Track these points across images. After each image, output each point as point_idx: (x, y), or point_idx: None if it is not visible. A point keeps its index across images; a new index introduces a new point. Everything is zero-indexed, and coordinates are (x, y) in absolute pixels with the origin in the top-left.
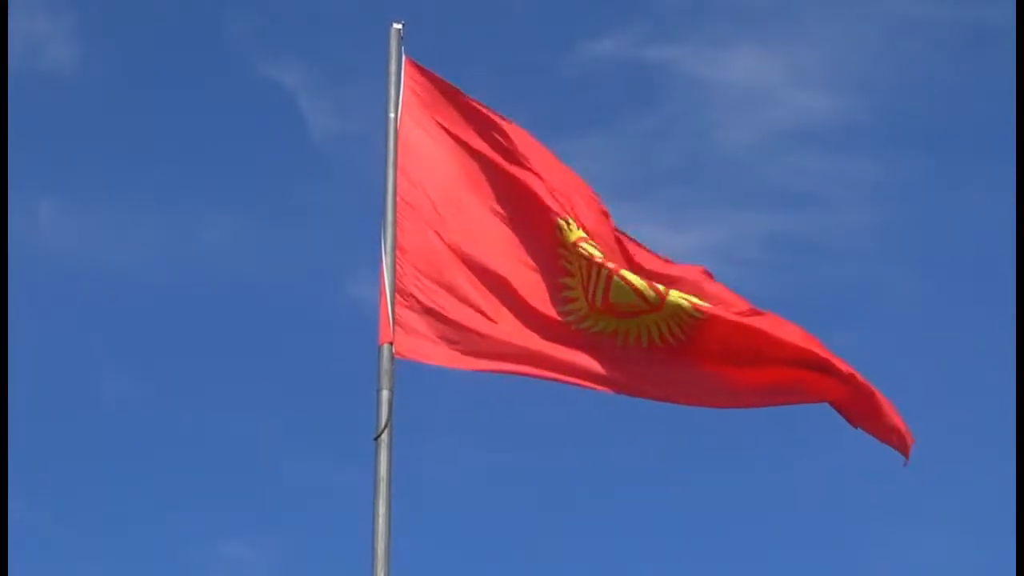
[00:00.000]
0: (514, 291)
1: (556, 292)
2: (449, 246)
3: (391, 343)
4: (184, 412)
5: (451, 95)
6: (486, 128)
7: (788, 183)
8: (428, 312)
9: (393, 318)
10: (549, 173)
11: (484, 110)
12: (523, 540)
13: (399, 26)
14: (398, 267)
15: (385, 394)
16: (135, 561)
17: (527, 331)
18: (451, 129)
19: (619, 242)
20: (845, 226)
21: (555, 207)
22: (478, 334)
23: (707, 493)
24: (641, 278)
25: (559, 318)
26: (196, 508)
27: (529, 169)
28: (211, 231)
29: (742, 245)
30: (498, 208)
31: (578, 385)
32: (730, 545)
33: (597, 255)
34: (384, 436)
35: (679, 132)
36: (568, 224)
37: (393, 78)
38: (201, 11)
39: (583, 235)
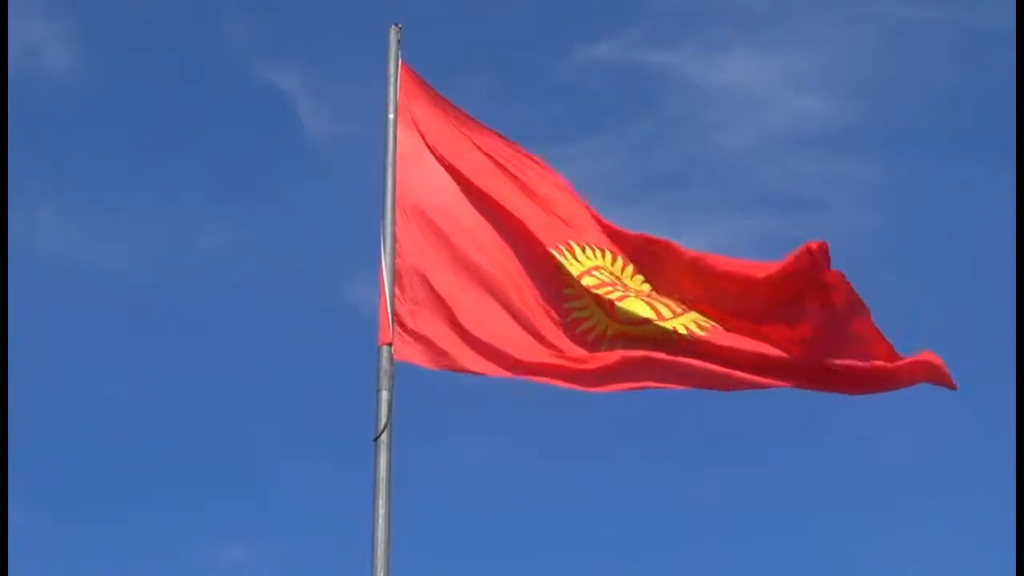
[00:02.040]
0: (511, 298)
1: (559, 301)
2: (443, 250)
3: (390, 344)
4: (183, 414)
5: (442, 105)
6: (477, 138)
7: (786, 186)
8: (426, 313)
9: (393, 319)
10: (542, 188)
11: (471, 122)
12: (523, 541)
13: (397, 27)
14: (397, 268)
15: (384, 395)
16: (134, 564)
17: (527, 338)
18: (442, 139)
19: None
20: (843, 229)
21: (548, 236)
22: (476, 339)
23: (708, 493)
24: (646, 301)
25: (561, 320)
26: (195, 511)
27: (523, 188)
28: (209, 234)
29: (740, 248)
30: (491, 218)
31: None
32: (731, 546)
33: (600, 283)
34: (383, 437)
35: (676, 135)
36: (566, 255)
37: (391, 79)
38: (198, 15)
39: (586, 266)
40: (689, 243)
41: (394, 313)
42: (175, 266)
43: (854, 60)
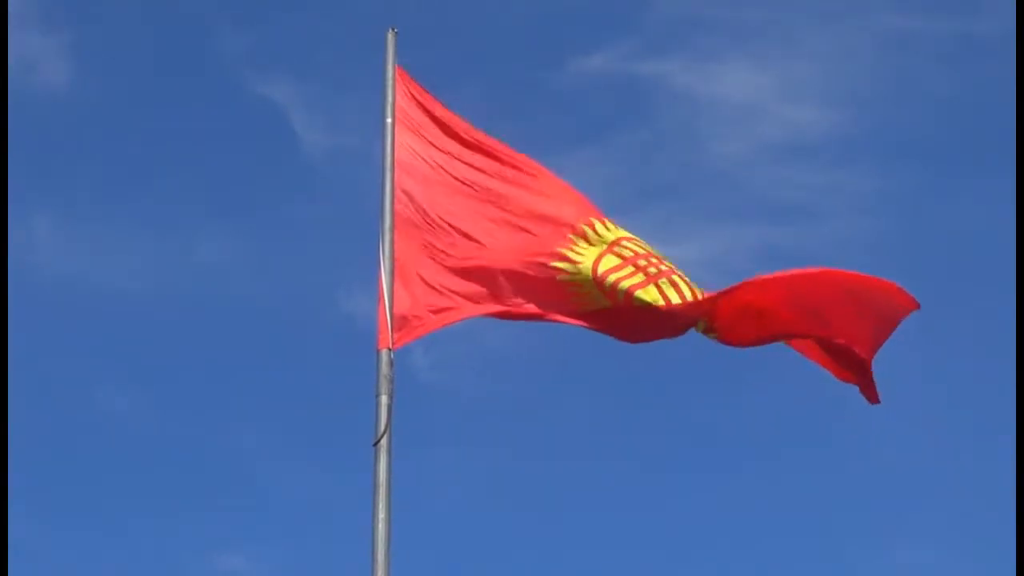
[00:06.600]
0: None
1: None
2: (442, 255)
3: (390, 348)
4: (181, 424)
5: (439, 110)
6: (475, 143)
7: (781, 196)
8: (425, 303)
9: (392, 323)
10: (549, 189)
11: (472, 129)
12: (522, 546)
13: (394, 31)
14: (396, 272)
15: (384, 399)
16: (132, 573)
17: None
18: (439, 143)
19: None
20: (838, 239)
21: (569, 218)
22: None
23: (704, 501)
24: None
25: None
26: (193, 520)
27: (527, 186)
28: (206, 246)
29: (735, 258)
30: (492, 218)
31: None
32: (730, 548)
33: (622, 262)
34: (383, 442)
35: (671, 146)
36: (587, 233)
37: (390, 83)
38: (193, 29)
39: (617, 236)
40: (685, 253)
41: (393, 313)
42: (173, 278)
43: (849, 69)
